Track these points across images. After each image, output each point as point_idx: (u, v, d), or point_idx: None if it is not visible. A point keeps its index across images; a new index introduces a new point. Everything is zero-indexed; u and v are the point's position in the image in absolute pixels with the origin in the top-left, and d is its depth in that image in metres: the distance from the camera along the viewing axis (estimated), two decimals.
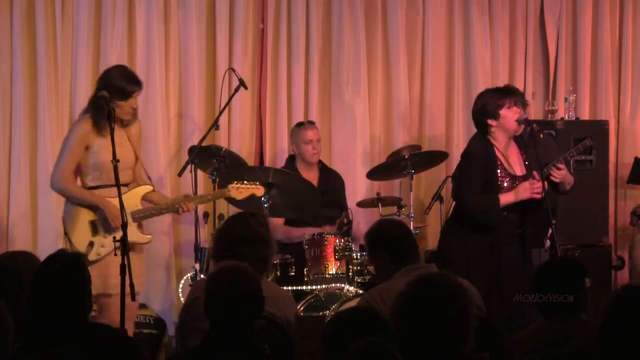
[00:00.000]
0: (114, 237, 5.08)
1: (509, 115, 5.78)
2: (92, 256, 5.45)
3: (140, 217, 5.62)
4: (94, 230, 5.53)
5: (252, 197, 5.88)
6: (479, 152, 5.85)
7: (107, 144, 5.37)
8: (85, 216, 5.53)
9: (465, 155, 5.98)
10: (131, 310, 5.45)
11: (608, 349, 2.95)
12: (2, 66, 6.84)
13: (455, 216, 6.00)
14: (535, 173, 5.75)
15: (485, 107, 5.81)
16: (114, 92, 5.49)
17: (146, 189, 5.69)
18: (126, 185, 5.60)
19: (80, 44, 6.90)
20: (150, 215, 5.72)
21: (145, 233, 5.72)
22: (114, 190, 5.32)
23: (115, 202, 5.34)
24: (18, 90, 6.84)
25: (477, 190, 5.76)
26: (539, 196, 5.68)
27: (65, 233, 5.59)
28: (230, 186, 5.83)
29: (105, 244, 5.48)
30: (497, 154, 5.83)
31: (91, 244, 5.50)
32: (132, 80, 5.63)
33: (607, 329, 2.98)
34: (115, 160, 4.99)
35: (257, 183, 5.90)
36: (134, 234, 5.48)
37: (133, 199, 5.60)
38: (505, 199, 5.73)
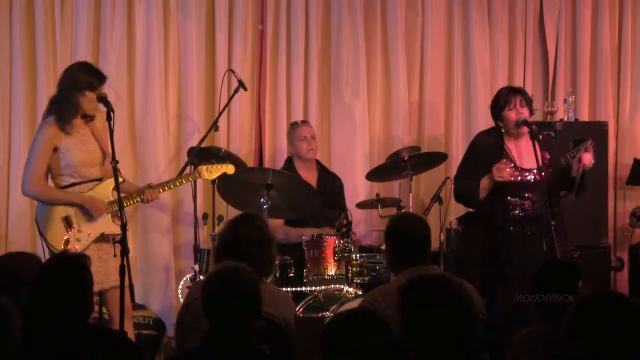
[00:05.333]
0: (113, 238, 5.03)
1: (509, 114, 5.95)
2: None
3: (112, 209, 5.52)
4: (68, 226, 5.44)
5: (224, 175, 5.84)
6: (481, 142, 6.06)
7: (76, 142, 5.44)
8: (58, 213, 5.44)
9: (469, 145, 6.19)
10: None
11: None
12: (2, 66, 6.84)
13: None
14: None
15: (498, 100, 6.01)
16: (82, 84, 5.40)
17: (113, 181, 5.50)
18: (99, 180, 5.53)
19: (79, 45, 6.90)
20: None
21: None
22: (88, 186, 5.44)
23: (91, 194, 5.42)
24: (18, 90, 6.84)
25: (468, 178, 5.96)
26: (500, 179, 5.81)
27: (41, 234, 5.50)
28: (200, 168, 5.79)
29: (81, 238, 5.42)
30: (507, 144, 5.97)
31: (67, 242, 5.41)
32: (97, 72, 5.54)
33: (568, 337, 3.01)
34: (114, 161, 4.99)
35: (227, 162, 5.89)
36: (107, 225, 5.45)
37: (104, 191, 5.50)
38: (482, 183, 5.88)
